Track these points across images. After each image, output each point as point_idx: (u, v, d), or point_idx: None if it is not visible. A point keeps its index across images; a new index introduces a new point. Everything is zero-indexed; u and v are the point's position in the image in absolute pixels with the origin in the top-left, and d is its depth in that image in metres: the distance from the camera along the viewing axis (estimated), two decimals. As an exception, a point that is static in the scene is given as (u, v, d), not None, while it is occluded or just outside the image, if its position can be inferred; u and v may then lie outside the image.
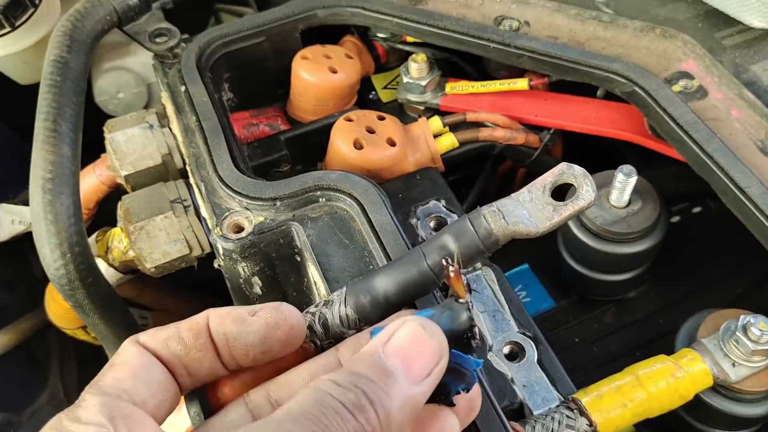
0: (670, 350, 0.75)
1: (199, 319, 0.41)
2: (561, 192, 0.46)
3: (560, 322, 0.81)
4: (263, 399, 0.42)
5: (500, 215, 0.44)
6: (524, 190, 0.46)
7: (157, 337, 0.40)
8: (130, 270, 0.73)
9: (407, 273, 0.43)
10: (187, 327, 0.41)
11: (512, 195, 0.46)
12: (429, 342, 0.36)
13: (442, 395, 0.38)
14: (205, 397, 0.43)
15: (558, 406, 0.56)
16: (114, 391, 0.37)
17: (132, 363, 0.39)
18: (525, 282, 0.85)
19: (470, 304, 0.38)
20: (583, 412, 0.55)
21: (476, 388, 0.39)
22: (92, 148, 0.77)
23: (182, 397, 0.42)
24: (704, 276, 0.82)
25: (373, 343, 0.36)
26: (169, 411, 0.40)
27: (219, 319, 0.41)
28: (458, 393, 0.38)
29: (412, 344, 0.35)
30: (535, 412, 0.56)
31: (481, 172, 0.88)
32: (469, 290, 0.39)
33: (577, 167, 0.45)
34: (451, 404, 0.38)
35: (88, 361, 0.96)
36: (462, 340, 0.38)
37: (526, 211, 0.44)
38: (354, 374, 0.34)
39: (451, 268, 0.39)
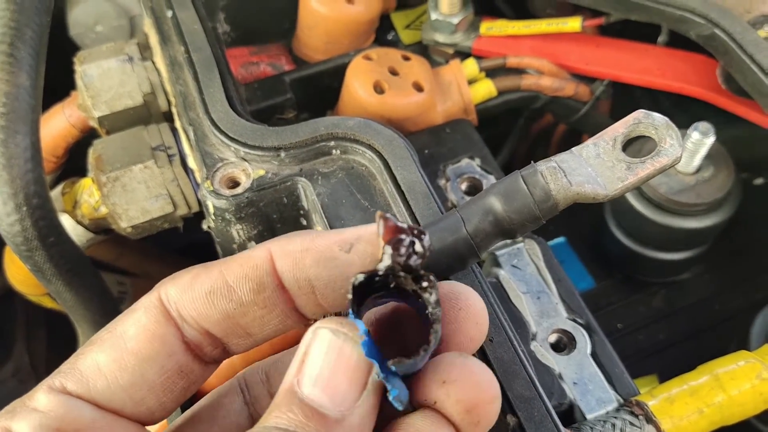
0: (727, 340, 0.66)
1: (257, 259, 0.29)
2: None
3: (601, 305, 0.74)
4: (260, 386, 0.33)
5: (561, 173, 0.37)
6: (589, 143, 0.38)
7: (193, 291, 0.29)
8: (102, 229, 0.62)
9: (441, 241, 0.37)
10: (239, 274, 0.29)
11: (573, 149, 0.38)
12: (347, 351, 0.27)
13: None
14: None
15: (618, 409, 0.48)
16: (85, 389, 0.28)
17: (140, 337, 0.28)
18: (561, 258, 0.76)
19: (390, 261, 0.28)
20: (650, 419, 0.47)
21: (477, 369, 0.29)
22: (64, 92, 0.68)
23: None
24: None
25: (287, 375, 0.28)
26: (178, 403, 0.31)
27: (292, 259, 0.29)
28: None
29: (329, 362, 0.27)
30: (589, 416, 0.48)
31: (512, 130, 0.77)
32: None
33: (657, 115, 0.37)
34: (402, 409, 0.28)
35: (60, 327, 0.86)
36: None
37: (592, 168, 0.37)
38: None
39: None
